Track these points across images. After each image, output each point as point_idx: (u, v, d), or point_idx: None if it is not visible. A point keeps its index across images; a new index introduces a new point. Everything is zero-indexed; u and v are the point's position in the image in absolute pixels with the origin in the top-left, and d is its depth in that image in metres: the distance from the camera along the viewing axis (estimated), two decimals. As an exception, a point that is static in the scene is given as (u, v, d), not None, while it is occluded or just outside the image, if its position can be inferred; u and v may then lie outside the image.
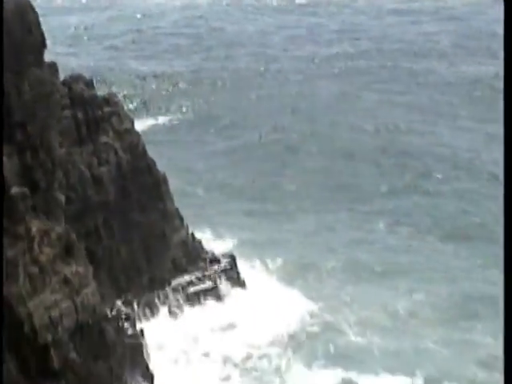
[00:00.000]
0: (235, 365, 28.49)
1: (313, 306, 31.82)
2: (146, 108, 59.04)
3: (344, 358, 28.85)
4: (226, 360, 28.63)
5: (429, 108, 56.51)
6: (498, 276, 33.48)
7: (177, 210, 32.65)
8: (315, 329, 30.53)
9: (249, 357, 29.13)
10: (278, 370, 28.69)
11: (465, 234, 38.64)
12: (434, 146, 49.32)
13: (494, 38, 69.99)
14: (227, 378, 27.84)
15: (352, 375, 27.75)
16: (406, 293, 33.55)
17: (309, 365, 28.35)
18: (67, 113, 29.26)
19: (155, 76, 66.41)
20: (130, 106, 56.08)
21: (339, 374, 27.97)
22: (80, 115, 29.83)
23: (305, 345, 29.64)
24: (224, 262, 32.97)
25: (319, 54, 73.18)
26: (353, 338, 30.37)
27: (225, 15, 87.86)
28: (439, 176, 43.81)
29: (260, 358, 29.22)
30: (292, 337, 30.04)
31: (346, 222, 39.66)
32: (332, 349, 29.20)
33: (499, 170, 44.67)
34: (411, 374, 27.57)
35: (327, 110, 56.04)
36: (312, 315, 31.21)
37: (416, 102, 57.93)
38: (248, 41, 77.18)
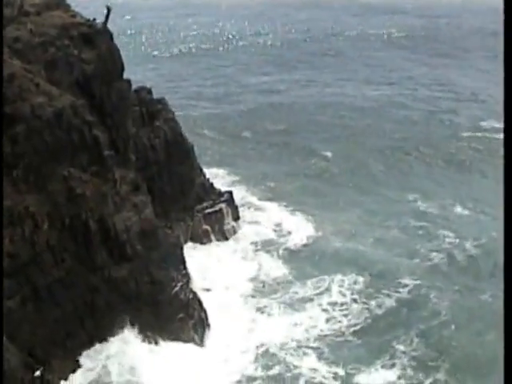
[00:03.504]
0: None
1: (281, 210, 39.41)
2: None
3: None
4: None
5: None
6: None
7: (198, 164, 38.08)
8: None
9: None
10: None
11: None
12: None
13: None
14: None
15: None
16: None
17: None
18: (136, 108, 34.43)
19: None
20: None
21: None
22: (143, 110, 35.19)
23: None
24: (225, 195, 38.84)
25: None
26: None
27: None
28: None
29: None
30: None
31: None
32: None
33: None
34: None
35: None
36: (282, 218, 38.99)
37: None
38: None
